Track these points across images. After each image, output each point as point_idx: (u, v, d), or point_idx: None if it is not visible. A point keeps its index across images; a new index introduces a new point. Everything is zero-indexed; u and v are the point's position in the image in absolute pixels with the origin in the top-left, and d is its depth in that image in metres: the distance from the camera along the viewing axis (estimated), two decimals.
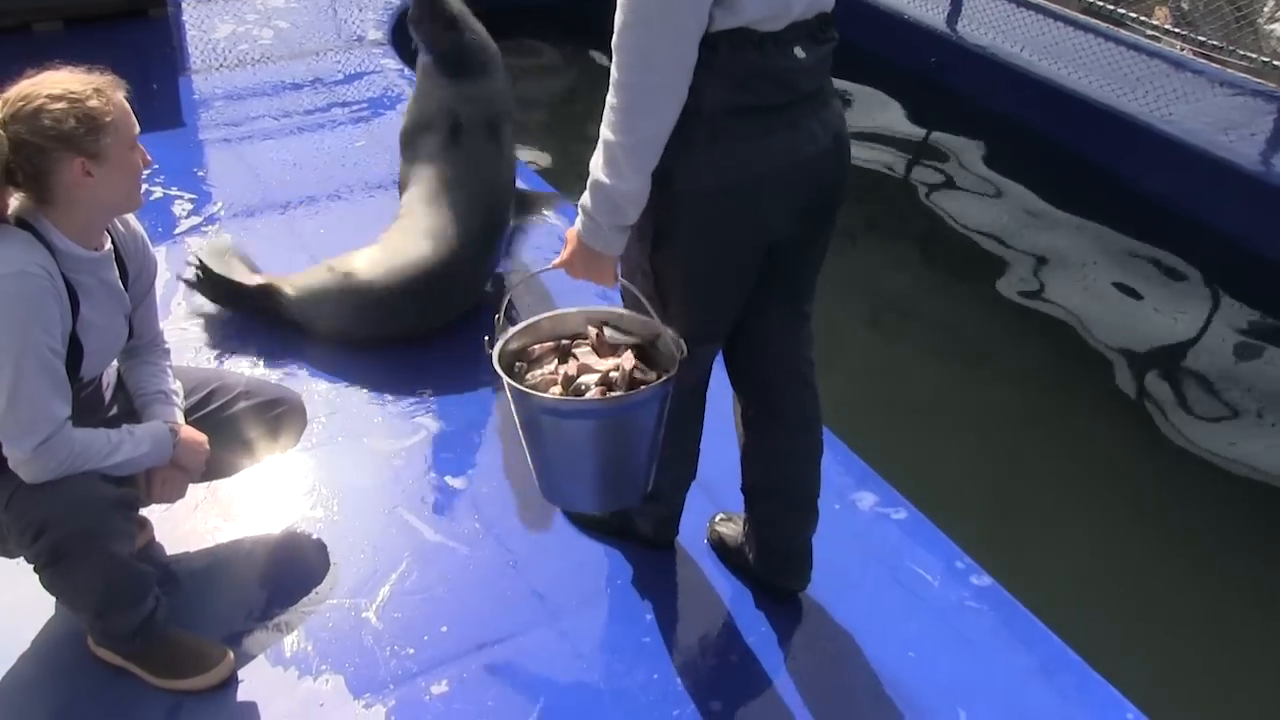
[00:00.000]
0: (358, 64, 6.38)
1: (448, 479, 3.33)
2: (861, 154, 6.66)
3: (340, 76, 6.19)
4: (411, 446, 3.46)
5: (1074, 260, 5.78)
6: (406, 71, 6.25)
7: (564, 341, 2.66)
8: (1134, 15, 7.37)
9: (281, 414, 2.90)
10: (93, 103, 2.31)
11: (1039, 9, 7.53)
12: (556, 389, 2.50)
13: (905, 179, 6.65)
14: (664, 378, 2.46)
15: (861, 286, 5.53)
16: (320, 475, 3.32)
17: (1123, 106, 6.32)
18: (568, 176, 5.52)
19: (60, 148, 2.29)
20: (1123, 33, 7.28)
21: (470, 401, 3.67)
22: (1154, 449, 4.57)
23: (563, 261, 2.44)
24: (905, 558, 3.15)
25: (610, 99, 2.20)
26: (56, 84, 2.31)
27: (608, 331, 2.63)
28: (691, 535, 3.12)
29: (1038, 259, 5.80)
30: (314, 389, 3.63)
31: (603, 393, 2.46)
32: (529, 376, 2.58)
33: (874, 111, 7.21)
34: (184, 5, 7.06)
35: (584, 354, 2.62)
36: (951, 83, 7.09)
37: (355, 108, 5.83)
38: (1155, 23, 7.44)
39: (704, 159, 2.26)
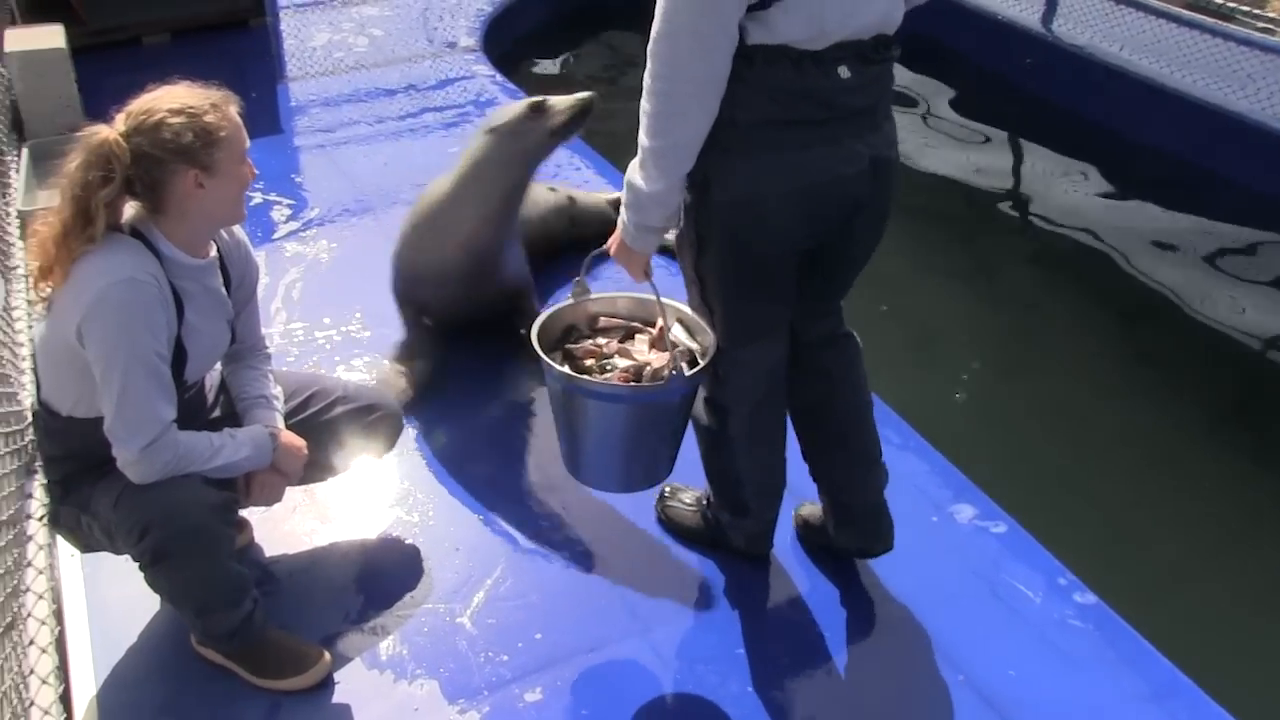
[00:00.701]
0: (450, 70, 6.45)
1: (542, 486, 3.33)
2: (954, 157, 6.57)
3: (433, 82, 6.27)
4: (506, 452, 3.47)
5: (1193, 271, 5.61)
6: (497, 77, 6.30)
7: (635, 324, 2.80)
8: (1245, 9, 7.12)
9: (378, 419, 2.93)
10: (209, 118, 2.38)
11: (1140, 6, 7.35)
12: (591, 361, 2.66)
13: (1014, 186, 6.53)
14: (671, 377, 2.53)
15: (961, 291, 5.45)
16: (415, 479, 3.35)
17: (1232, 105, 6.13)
18: None
19: (176, 160, 2.36)
20: (1232, 28, 7.06)
21: None
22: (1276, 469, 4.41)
23: (609, 248, 2.55)
24: (1005, 572, 3.08)
25: (643, 104, 2.27)
26: (176, 99, 2.38)
27: (676, 330, 2.71)
28: (785, 546, 3.09)
29: (1151, 270, 5.64)
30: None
31: (624, 379, 2.57)
32: (582, 343, 2.73)
33: (965, 107, 7.11)
34: (282, 15, 7.22)
35: (641, 341, 2.74)
36: (1046, 83, 6.97)
37: (447, 113, 5.89)
38: (1272, 15, 7.17)
39: (739, 168, 2.32)
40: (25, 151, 4.80)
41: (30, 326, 3.73)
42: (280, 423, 2.72)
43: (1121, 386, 4.85)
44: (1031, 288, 5.58)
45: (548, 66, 7.88)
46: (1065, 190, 6.33)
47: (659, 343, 2.68)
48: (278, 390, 2.79)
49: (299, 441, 2.70)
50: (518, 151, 3.56)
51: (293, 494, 2.82)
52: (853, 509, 2.90)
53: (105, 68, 5.99)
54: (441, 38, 6.90)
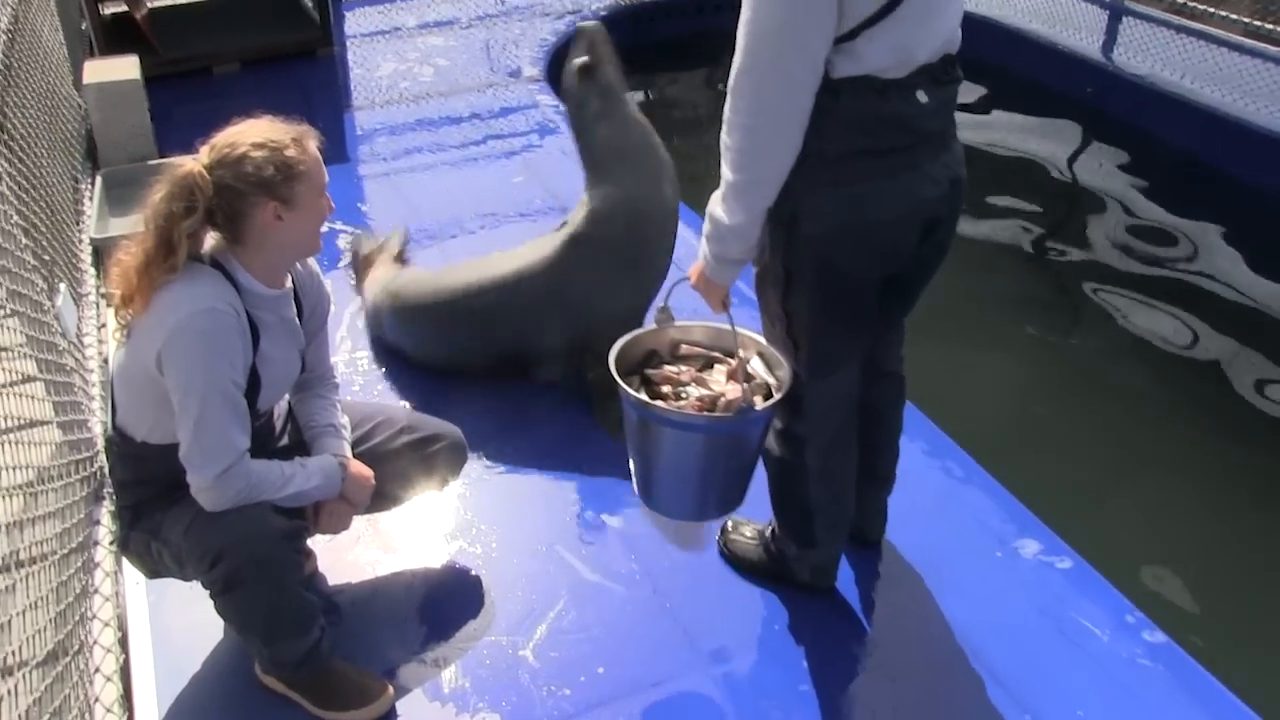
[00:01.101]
0: (513, 99, 6.50)
1: (604, 518, 3.33)
2: (1018, 189, 6.52)
3: (496, 111, 6.32)
4: (568, 484, 3.47)
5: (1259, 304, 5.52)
6: (561, 107, 6.32)
7: (715, 354, 2.81)
8: None
9: (442, 449, 2.94)
10: (290, 152, 2.42)
11: (1199, 34, 7.27)
12: (667, 388, 2.66)
13: (1068, 211, 6.47)
14: (746, 408, 2.54)
15: (1025, 318, 5.39)
16: (478, 510, 3.36)
17: None
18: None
19: (257, 192, 2.40)
20: None
21: None
22: None
23: (690, 275, 2.56)
24: (1071, 609, 3.03)
25: (724, 138, 2.27)
26: (259, 132, 2.43)
27: (755, 363, 2.72)
28: (847, 579, 3.07)
29: (1224, 297, 5.56)
30: (474, 425, 3.65)
31: (697, 408, 2.58)
32: (661, 369, 2.74)
33: (1030, 139, 7.05)
34: (349, 45, 7.32)
35: (719, 371, 2.75)
36: (1109, 110, 6.90)
37: (510, 141, 5.94)
38: None
39: (829, 201, 2.32)
40: (99, 180, 4.90)
41: (100, 353, 3.80)
42: (348, 451, 2.74)
43: (1195, 421, 4.76)
44: (1100, 319, 5.50)
45: None
46: (1131, 217, 6.25)
47: (736, 374, 2.68)
48: (345, 419, 2.82)
49: (367, 471, 2.73)
50: (610, 104, 3.70)
51: (357, 523, 2.83)
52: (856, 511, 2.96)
53: (177, 96, 6.13)
54: (505, 67, 6.97)
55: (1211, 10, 7.30)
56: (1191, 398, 4.90)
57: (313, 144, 2.50)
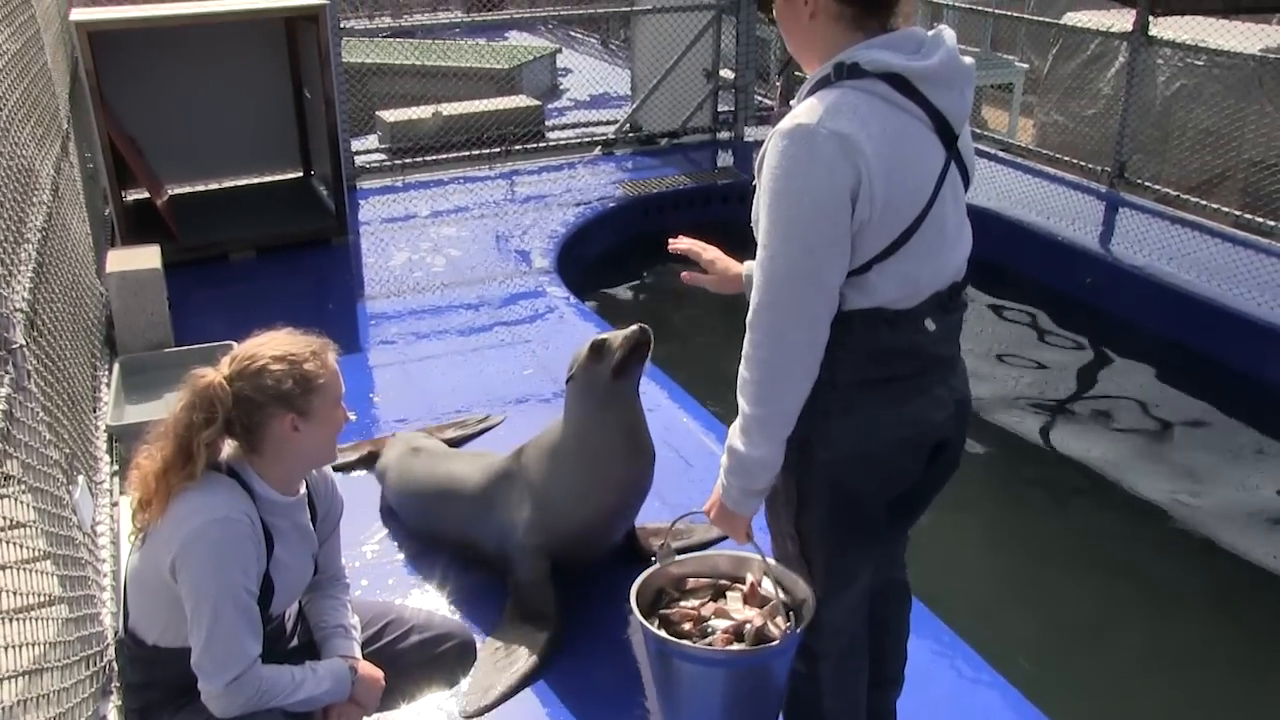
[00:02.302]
0: (524, 289, 6.65)
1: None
2: (1018, 376, 6.61)
3: (507, 302, 6.45)
4: (579, 686, 3.42)
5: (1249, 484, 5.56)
6: (571, 299, 6.47)
7: (722, 581, 2.81)
8: None
9: (451, 648, 2.95)
10: (308, 365, 2.51)
11: (1192, 225, 7.50)
12: (689, 625, 2.64)
13: (1065, 402, 6.55)
14: (774, 642, 2.56)
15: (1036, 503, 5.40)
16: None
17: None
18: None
19: (275, 404, 2.47)
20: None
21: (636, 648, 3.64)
22: None
23: (706, 510, 2.54)
24: None
25: (743, 372, 2.30)
26: (279, 346, 2.52)
27: (766, 584, 2.72)
28: None
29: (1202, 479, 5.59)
30: (486, 621, 3.67)
31: (726, 640, 2.58)
32: (676, 605, 2.73)
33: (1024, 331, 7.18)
34: (363, 233, 7.51)
35: (733, 599, 2.75)
36: (1106, 302, 7.06)
37: (521, 330, 6.06)
38: None
39: (840, 428, 2.35)
40: (117, 367, 4.98)
41: (113, 542, 3.80)
42: (358, 653, 2.74)
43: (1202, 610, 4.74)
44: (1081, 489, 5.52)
45: (621, 286, 8.10)
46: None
47: (752, 597, 2.70)
48: (355, 620, 2.82)
49: (377, 673, 2.71)
50: (592, 404, 3.56)
51: None
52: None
53: (193, 281, 6.27)
54: (516, 257, 7.14)
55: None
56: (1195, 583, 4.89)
57: (331, 356, 2.59)
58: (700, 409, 4.96)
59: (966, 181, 2.40)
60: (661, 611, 2.74)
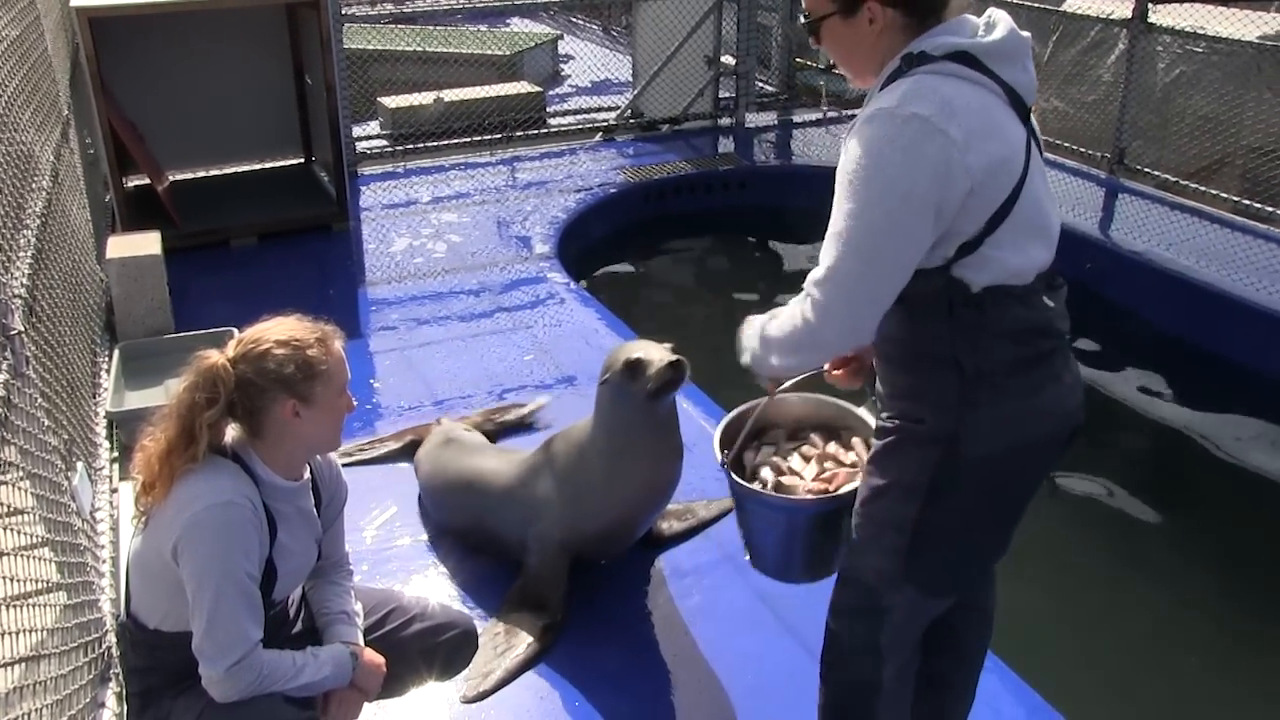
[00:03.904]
0: (525, 275, 6.65)
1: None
2: None
3: (508, 287, 6.45)
4: (574, 673, 3.43)
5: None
6: (572, 285, 6.48)
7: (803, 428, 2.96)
8: None
9: (453, 637, 2.94)
10: (312, 351, 2.49)
11: (1192, 211, 7.50)
12: (768, 472, 2.79)
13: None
14: (840, 491, 2.66)
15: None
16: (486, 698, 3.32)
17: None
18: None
19: (277, 389, 2.46)
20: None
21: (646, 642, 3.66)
22: None
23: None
24: None
25: (787, 321, 2.28)
26: (285, 330, 2.51)
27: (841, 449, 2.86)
28: None
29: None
30: (489, 608, 3.69)
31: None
32: (761, 451, 2.88)
33: None
34: (364, 219, 7.51)
35: (805, 454, 2.86)
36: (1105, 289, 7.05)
37: (522, 316, 6.06)
38: None
39: (989, 421, 2.26)
40: (117, 353, 4.98)
41: (113, 527, 3.82)
42: (360, 639, 2.74)
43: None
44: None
45: (622, 272, 8.10)
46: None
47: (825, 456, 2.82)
48: (358, 606, 2.82)
49: (379, 659, 2.72)
50: (624, 412, 3.53)
51: (365, 709, 2.81)
52: None
53: (195, 267, 6.27)
54: (517, 244, 7.12)
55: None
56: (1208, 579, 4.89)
57: (337, 344, 2.57)
58: (700, 394, 4.97)
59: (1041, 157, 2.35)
60: (745, 454, 2.88)
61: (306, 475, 2.67)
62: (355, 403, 2.65)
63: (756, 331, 2.39)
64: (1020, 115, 2.24)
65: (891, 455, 2.38)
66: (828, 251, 2.16)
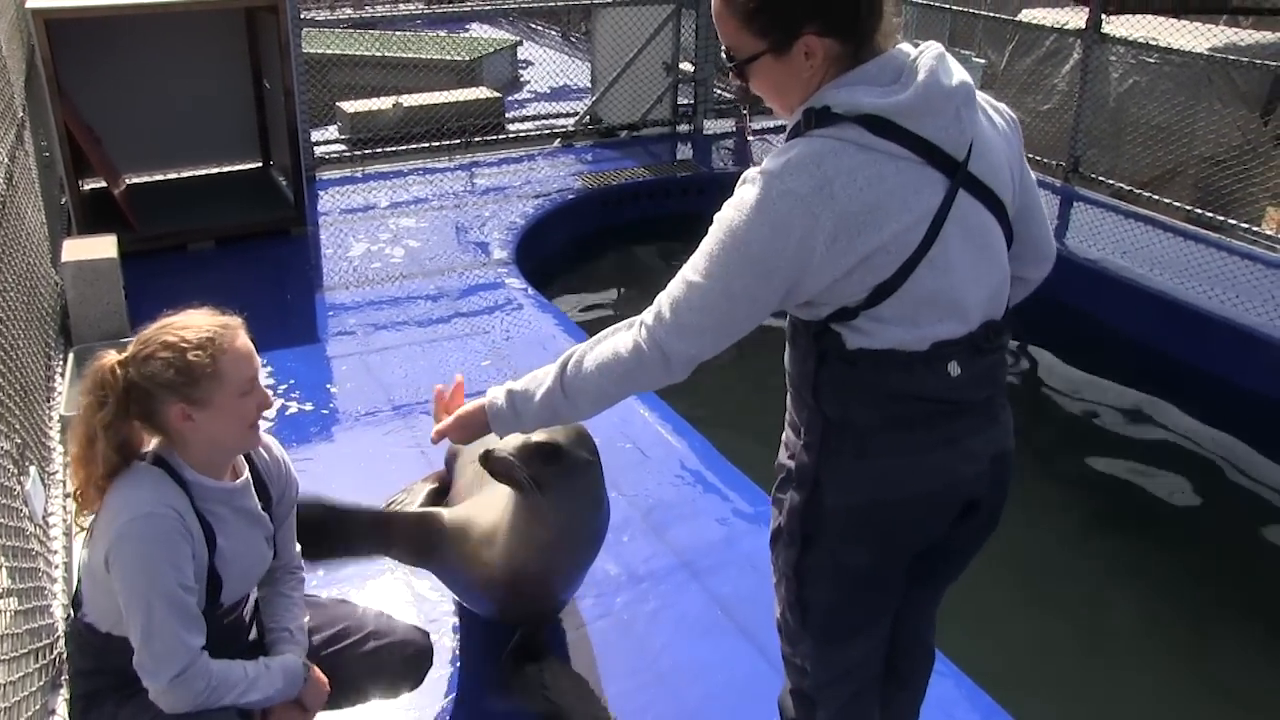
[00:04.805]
0: (482, 280, 6.65)
1: None
2: None
3: (466, 293, 6.46)
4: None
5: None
6: (530, 291, 6.49)
7: None
8: (1245, 225, 7.38)
9: (409, 655, 2.92)
10: (193, 355, 2.38)
11: (1145, 219, 7.62)
12: None
13: (1018, 398, 6.62)
14: None
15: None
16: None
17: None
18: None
19: (163, 393, 2.40)
20: (1234, 242, 7.29)
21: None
22: None
23: (447, 428, 2.54)
24: None
25: (594, 365, 2.19)
26: (177, 330, 2.42)
27: None
28: None
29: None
30: (444, 625, 3.67)
31: None
32: None
33: None
34: (322, 223, 7.49)
35: None
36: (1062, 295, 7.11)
37: (479, 321, 6.07)
38: (1269, 231, 7.42)
39: (854, 473, 2.16)
40: (71, 356, 4.96)
41: (65, 533, 3.79)
42: (303, 657, 2.70)
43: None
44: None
45: (579, 278, 8.11)
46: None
47: None
48: (305, 619, 2.79)
49: (323, 678, 2.70)
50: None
51: None
52: None
53: (151, 271, 6.23)
54: (475, 250, 7.13)
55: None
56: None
57: (240, 340, 2.46)
58: (658, 401, 5.00)
59: (997, 208, 2.14)
60: None
61: (245, 475, 2.62)
62: (271, 399, 2.56)
63: (545, 389, 2.27)
64: (947, 171, 2.05)
65: (780, 489, 2.30)
66: (678, 296, 2.09)
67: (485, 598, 3.32)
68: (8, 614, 2.80)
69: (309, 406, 5.02)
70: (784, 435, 2.32)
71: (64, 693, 3.00)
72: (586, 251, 8.20)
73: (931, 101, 2.02)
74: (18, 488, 3.25)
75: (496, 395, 2.40)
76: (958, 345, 2.10)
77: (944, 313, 2.08)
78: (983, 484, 2.23)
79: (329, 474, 4.43)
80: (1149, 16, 8.60)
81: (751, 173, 2.05)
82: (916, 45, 2.10)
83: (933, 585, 2.51)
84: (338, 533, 3.21)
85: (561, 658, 3.46)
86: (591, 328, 6.07)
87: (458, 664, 3.49)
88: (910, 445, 2.13)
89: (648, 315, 2.14)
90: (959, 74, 2.08)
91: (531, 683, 3.28)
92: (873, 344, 2.07)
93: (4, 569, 2.94)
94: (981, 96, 2.17)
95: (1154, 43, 8.15)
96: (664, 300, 2.12)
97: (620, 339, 2.19)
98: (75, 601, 2.63)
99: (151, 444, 2.50)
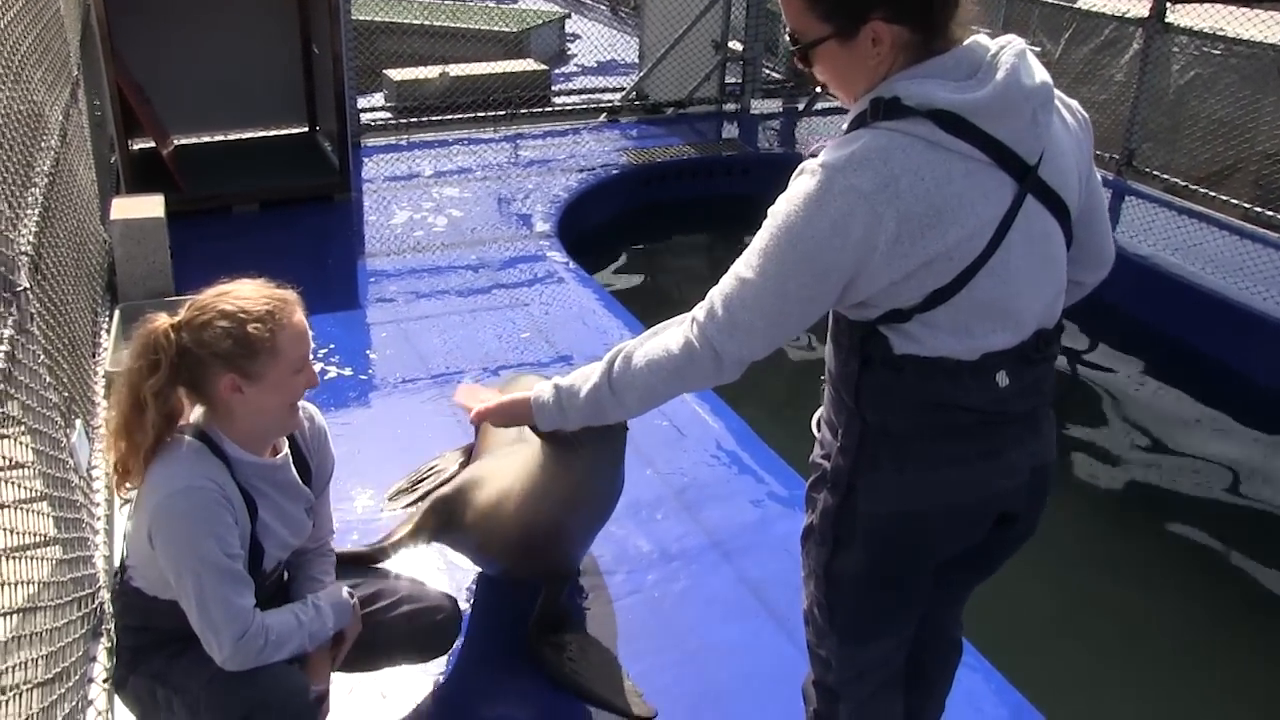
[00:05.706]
0: (524, 253, 6.66)
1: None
2: None
3: (507, 264, 6.47)
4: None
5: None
6: (571, 265, 6.49)
7: None
8: None
9: (439, 621, 2.95)
10: (253, 327, 2.36)
11: (1200, 216, 7.49)
12: None
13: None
14: None
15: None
16: (461, 683, 3.32)
17: None
18: None
19: (215, 363, 2.38)
20: None
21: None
22: None
23: (490, 411, 2.51)
24: None
25: (672, 349, 2.14)
26: (236, 299, 2.40)
27: None
28: None
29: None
30: (473, 593, 3.70)
31: None
32: None
33: None
34: (366, 190, 7.53)
35: None
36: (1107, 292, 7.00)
37: (519, 293, 6.08)
38: None
39: (890, 482, 2.10)
40: (117, 314, 5.01)
41: (108, 486, 3.84)
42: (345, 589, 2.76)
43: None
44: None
45: (621, 254, 8.12)
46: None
47: None
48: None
49: (358, 607, 2.75)
50: None
51: (336, 695, 2.80)
52: None
53: (196, 233, 6.27)
54: (517, 221, 7.15)
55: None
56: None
57: (294, 318, 2.45)
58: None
59: (1062, 214, 2.06)
60: None
61: (285, 451, 2.62)
62: (318, 379, 2.55)
63: (593, 382, 2.27)
64: (1017, 174, 1.96)
65: (814, 488, 2.26)
66: (730, 293, 2.05)
67: (497, 551, 3.33)
68: (52, 561, 2.85)
69: (348, 372, 5.05)
70: (820, 432, 2.28)
71: (104, 641, 3.05)
72: (629, 227, 8.19)
73: (1010, 102, 1.92)
74: (64, 440, 3.29)
75: (543, 390, 2.39)
76: (1008, 355, 2.05)
77: (998, 323, 2.02)
78: (1021, 497, 2.18)
79: (365, 440, 4.48)
80: (1216, 5, 8.37)
81: (811, 164, 1.97)
82: (995, 38, 2.01)
83: (962, 585, 2.49)
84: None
85: (589, 632, 3.48)
86: (631, 302, 6.10)
87: (485, 632, 3.51)
88: (950, 456, 2.08)
89: (699, 311, 2.10)
90: (1040, 74, 1.98)
91: (558, 655, 3.31)
92: (921, 351, 2.00)
93: (50, 518, 2.98)
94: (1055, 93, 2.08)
95: (1220, 32, 7.92)
96: (716, 296, 2.07)
97: (671, 336, 2.15)
98: (121, 565, 2.66)
99: (191, 416, 2.49)
